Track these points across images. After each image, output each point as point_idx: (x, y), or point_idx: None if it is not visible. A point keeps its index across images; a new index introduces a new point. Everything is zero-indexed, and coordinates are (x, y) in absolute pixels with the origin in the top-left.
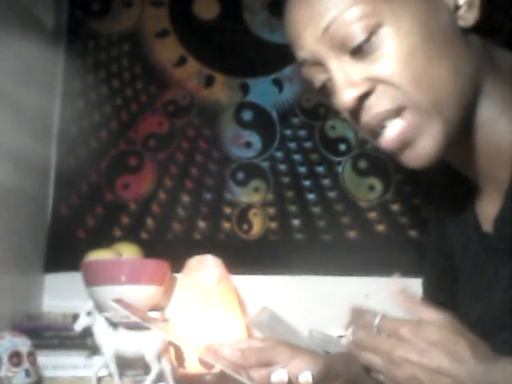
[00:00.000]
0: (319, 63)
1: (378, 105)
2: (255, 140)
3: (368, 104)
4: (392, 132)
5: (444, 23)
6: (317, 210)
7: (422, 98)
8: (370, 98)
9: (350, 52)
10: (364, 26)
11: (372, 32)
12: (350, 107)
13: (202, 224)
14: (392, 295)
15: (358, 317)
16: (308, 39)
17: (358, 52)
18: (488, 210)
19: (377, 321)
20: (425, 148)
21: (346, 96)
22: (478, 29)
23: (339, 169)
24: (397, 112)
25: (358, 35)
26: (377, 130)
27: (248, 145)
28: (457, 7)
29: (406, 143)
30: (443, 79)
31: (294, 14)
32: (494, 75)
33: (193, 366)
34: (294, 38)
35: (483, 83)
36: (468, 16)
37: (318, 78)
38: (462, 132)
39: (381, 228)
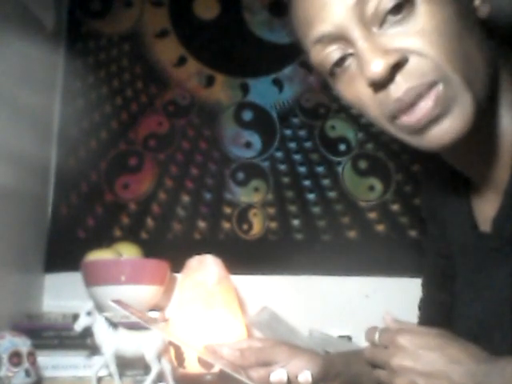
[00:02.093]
0: (341, 38)
1: (412, 77)
2: (255, 140)
3: (399, 78)
4: (423, 106)
5: (467, 8)
6: (317, 209)
7: (455, 72)
8: (401, 71)
9: (379, 23)
10: None
11: (405, 1)
12: (380, 77)
13: (202, 224)
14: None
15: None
16: (335, 9)
17: (390, 22)
18: (485, 210)
19: (377, 336)
20: (453, 124)
21: (376, 64)
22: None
23: (339, 169)
24: (429, 86)
25: (392, 5)
26: (403, 108)
27: (248, 145)
28: None
29: (434, 118)
30: (474, 56)
31: None
32: (504, 71)
33: (193, 366)
34: (314, 10)
35: (499, 75)
36: (483, 8)
37: (334, 56)
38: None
39: (381, 228)
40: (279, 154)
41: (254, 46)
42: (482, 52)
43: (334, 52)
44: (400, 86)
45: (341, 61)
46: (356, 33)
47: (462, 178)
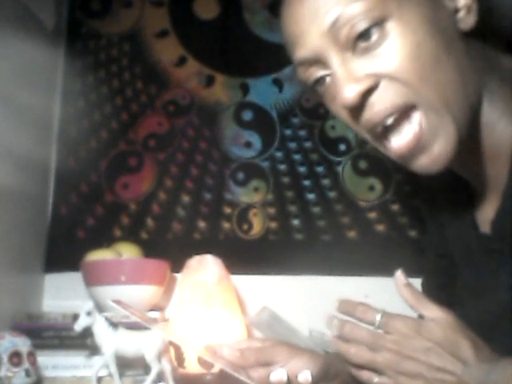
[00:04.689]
0: (320, 61)
1: (383, 100)
2: (255, 140)
3: (371, 101)
4: (406, 136)
5: (446, 24)
6: (317, 209)
7: (431, 96)
8: (373, 95)
9: (353, 48)
10: (369, 19)
11: (377, 25)
12: (352, 103)
13: (201, 224)
14: (396, 289)
15: (347, 309)
16: (311, 36)
17: (362, 48)
18: (485, 211)
19: (378, 318)
20: (440, 152)
21: (348, 92)
22: (477, 33)
23: (339, 169)
24: (405, 110)
25: (362, 29)
26: (378, 130)
27: (248, 145)
28: (456, 10)
29: (420, 147)
30: (450, 78)
31: (296, 12)
32: (495, 77)
33: (193, 366)
34: (294, 36)
35: (485, 85)
36: (467, 20)
37: (315, 77)
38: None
39: (381, 228)
40: (279, 154)
41: (254, 46)
42: (461, 70)
43: (315, 72)
44: (372, 108)
45: (321, 80)
46: (331, 58)
47: (462, 180)
